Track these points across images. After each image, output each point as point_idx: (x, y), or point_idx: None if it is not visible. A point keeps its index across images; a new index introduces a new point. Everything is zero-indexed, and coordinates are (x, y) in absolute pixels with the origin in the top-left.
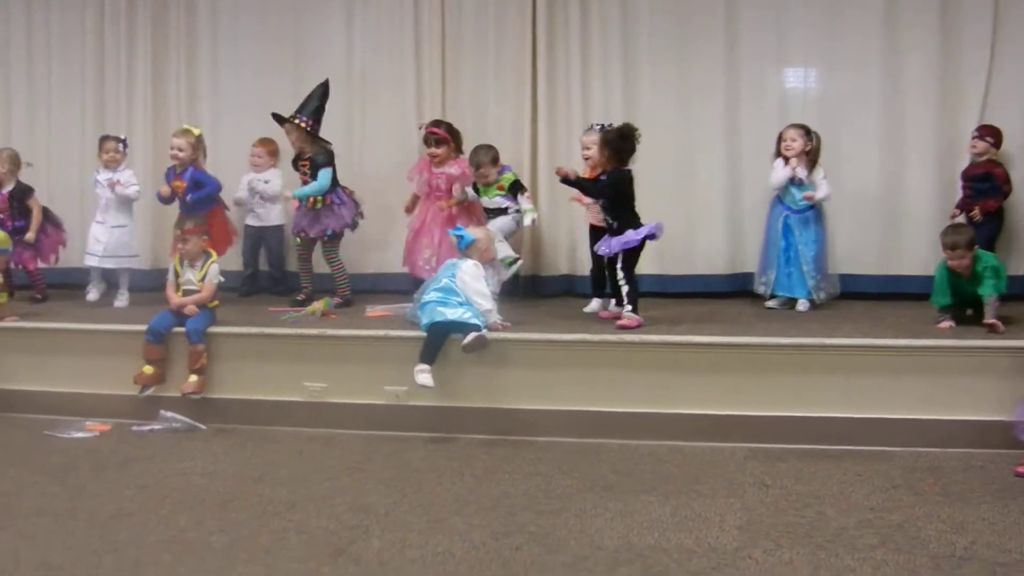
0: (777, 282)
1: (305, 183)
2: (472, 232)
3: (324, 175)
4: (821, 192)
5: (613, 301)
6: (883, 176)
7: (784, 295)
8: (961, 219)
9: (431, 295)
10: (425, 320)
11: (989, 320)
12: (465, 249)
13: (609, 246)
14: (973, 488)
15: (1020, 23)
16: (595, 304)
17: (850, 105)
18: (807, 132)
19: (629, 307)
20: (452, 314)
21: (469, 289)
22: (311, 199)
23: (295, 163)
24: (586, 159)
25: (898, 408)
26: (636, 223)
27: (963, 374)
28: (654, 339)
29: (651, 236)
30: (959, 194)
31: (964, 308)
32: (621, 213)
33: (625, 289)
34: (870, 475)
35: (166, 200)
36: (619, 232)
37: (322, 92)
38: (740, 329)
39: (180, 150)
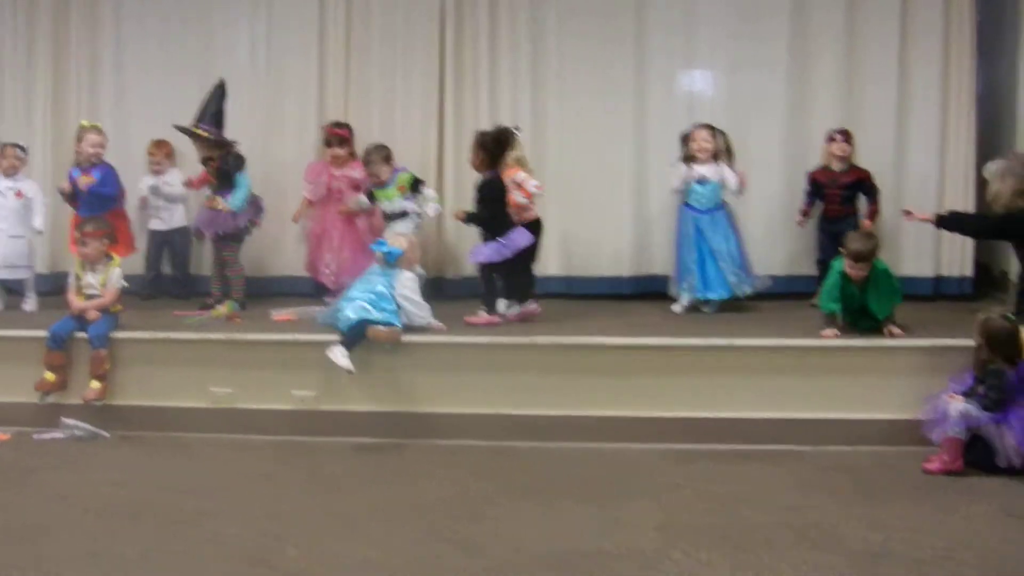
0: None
1: (210, 183)
2: (395, 244)
3: (243, 180)
4: (732, 182)
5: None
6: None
7: (702, 296)
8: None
9: (360, 295)
10: (351, 315)
11: (891, 330)
12: (394, 262)
13: (478, 255)
14: (886, 485)
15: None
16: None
17: (757, 106)
18: (714, 131)
19: (484, 308)
20: (378, 316)
21: (409, 302)
22: (212, 199)
23: (204, 162)
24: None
25: (809, 408)
26: (504, 230)
27: (872, 373)
28: (565, 341)
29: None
30: (804, 199)
31: (850, 313)
32: (488, 222)
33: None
34: (784, 475)
35: (69, 197)
36: (486, 240)
37: (220, 94)
38: (650, 330)
39: (101, 147)
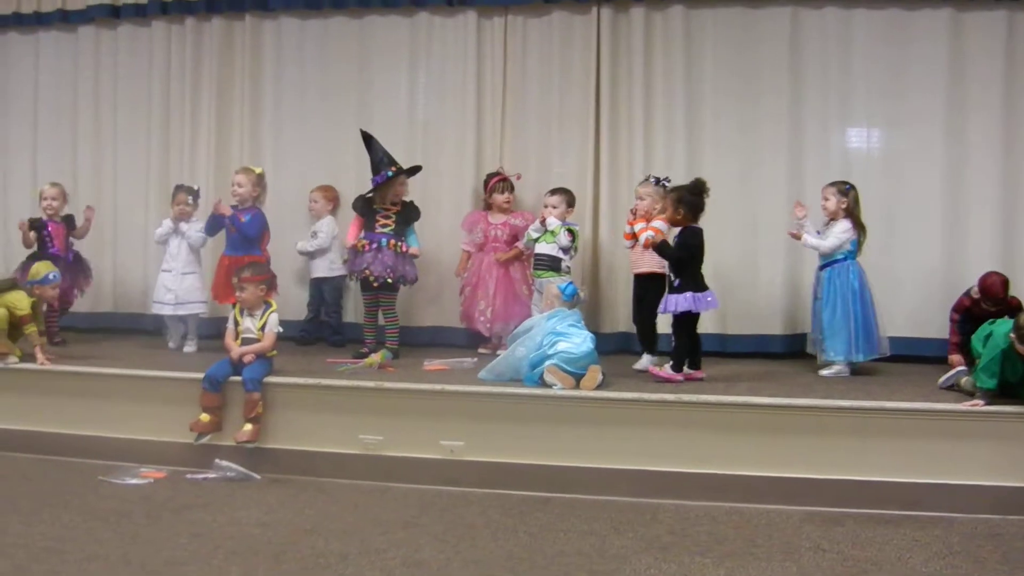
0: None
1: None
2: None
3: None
4: (813, 239)
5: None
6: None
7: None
8: None
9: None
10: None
11: None
12: (571, 299)
13: (667, 305)
14: None
15: None
16: (645, 360)
17: (913, 163)
18: (840, 190)
19: (671, 362)
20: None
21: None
22: (392, 242)
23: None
24: (633, 211)
25: (958, 473)
26: (700, 284)
27: None
28: (712, 399)
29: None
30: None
31: (1004, 389)
32: (685, 272)
33: (673, 346)
34: (929, 541)
35: (214, 225)
36: (680, 290)
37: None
38: (799, 390)
39: (240, 186)
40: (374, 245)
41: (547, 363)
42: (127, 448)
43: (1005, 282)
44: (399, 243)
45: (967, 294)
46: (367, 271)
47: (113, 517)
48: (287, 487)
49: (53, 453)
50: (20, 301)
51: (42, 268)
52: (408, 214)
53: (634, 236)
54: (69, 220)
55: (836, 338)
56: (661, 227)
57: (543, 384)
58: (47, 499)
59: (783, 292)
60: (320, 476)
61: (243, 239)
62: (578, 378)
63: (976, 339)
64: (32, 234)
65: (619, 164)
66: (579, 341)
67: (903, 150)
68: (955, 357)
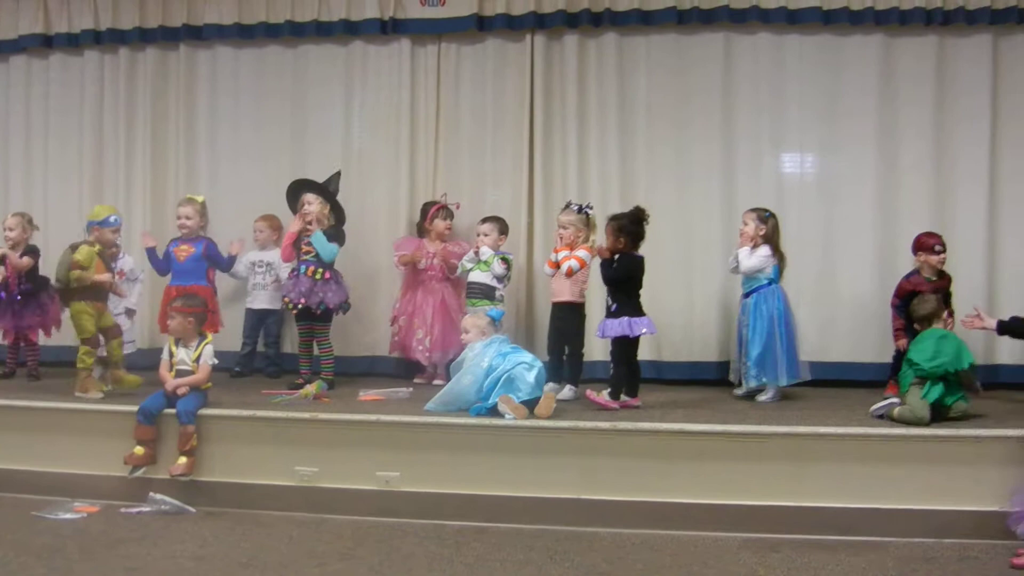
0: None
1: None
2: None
3: (334, 250)
4: (744, 260)
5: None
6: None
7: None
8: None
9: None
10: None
11: None
12: (499, 321)
13: (603, 330)
14: None
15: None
16: (567, 391)
17: (846, 186)
18: (760, 217)
19: (608, 390)
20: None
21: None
22: (311, 268)
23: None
24: (560, 238)
25: (893, 498)
26: (636, 309)
27: (958, 464)
28: (647, 427)
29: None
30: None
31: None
32: (623, 297)
33: (612, 373)
34: (864, 566)
35: (154, 257)
36: (616, 315)
37: (337, 180)
38: (734, 417)
39: (188, 218)
40: (295, 272)
41: (498, 393)
42: (60, 482)
43: (939, 238)
44: (318, 269)
45: (905, 278)
46: (285, 298)
47: (46, 552)
48: (222, 520)
49: None
50: (79, 253)
51: (102, 210)
52: (329, 236)
53: (557, 264)
54: (33, 251)
55: (764, 363)
56: (584, 256)
57: (493, 414)
58: None
59: (717, 318)
60: (256, 508)
61: (194, 270)
62: (528, 404)
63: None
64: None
65: (553, 191)
66: (530, 361)
67: (836, 173)
68: (901, 343)
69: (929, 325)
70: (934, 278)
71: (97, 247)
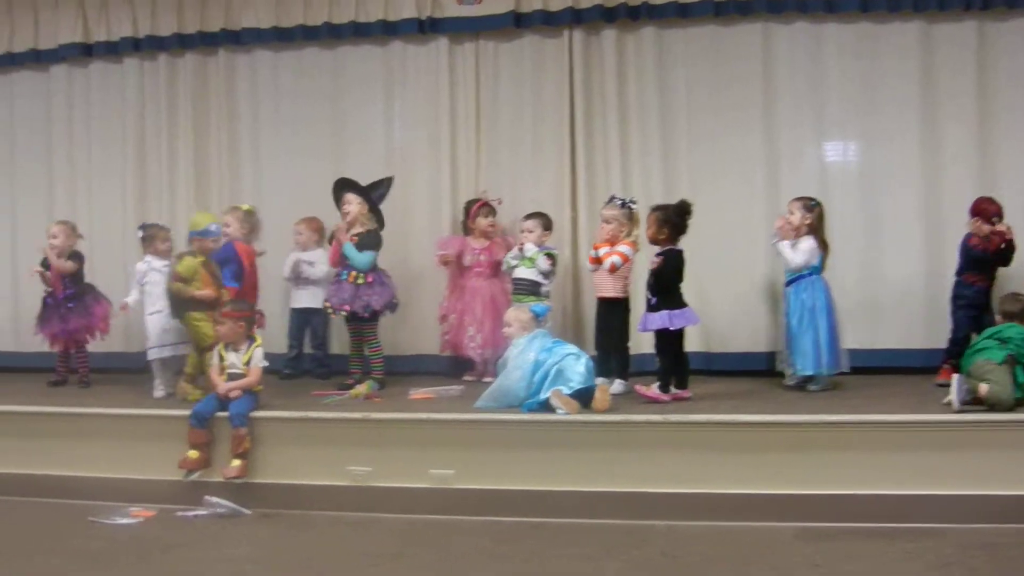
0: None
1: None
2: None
3: (370, 256)
4: (790, 257)
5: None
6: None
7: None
8: None
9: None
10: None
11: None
12: (543, 316)
13: (644, 323)
14: None
15: None
16: (618, 385)
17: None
18: (806, 205)
19: (657, 383)
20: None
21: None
22: (353, 274)
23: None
24: (605, 232)
25: (950, 484)
26: (677, 302)
27: (1017, 448)
28: (699, 419)
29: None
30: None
31: None
32: (662, 291)
33: (659, 366)
34: (922, 553)
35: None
36: (656, 309)
37: (388, 186)
38: (785, 407)
39: (227, 225)
40: (337, 278)
41: (549, 387)
42: (116, 488)
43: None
44: (359, 274)
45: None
46: (326, 303)
47: (104, 558)
48: (277, 521)
49: (42, 495)
50: (181, 265)
51: (202, 219)
52: (363, 241)
53: (598, 260)
54: (77, 256)
55: (805, 353)
56: (626, 251)
57: (544, 409)
58: (38, 542)
59: (765, 308)
60: (309, 509)
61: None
62: (579, 395)
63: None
64: (48, 273)
65: (596, 185)
66: (576, 352)
67: (878, 161)
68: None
69: (1012, 320)
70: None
71: (200, 258)
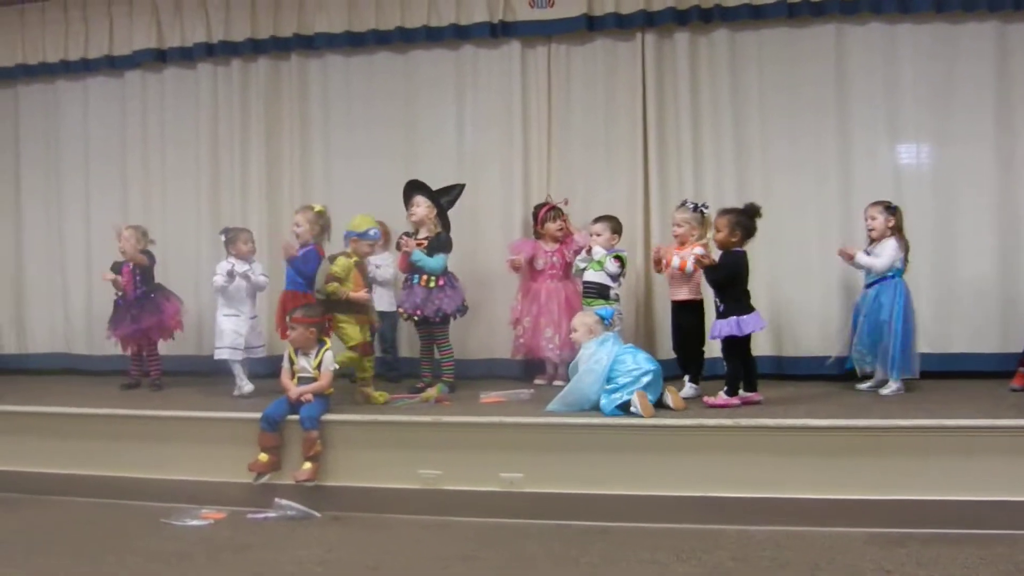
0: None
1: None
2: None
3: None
4: (867, 259)
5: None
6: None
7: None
8: None
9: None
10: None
11: None
12: (609, 320)
13: (713, 331)
14: None
15: None
16: (688, 388)
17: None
18: (887, 208)
19: (726, 388)
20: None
21: None
22: (424, 278)
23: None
24: (676, 236)
25: (1021, 490)
26: (744, 307)
27: None
28: (770, 423)
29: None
30: None
31: None
32: (728, 296)
33: (726, 370)
34: (993, 559)
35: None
36: (724, 315)
37: (458, 193)
38: (857, 411)
39: (298, 225)
40: (408, 282)
41: (635, 388)
42: (187, 490)
43: None
44: (431, 278)
45: None
46: (400, 308)
47: (175, 559)
48: (347, 524)
49: (115, 497)
50: (336, 264)
51: (363, 222)
52: (434, 245)
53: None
54: (148, 255)
55: (877, 355)
56: (699, 254)
57: (625, 412)
58: (110, 543)
59: (838, 311)
60: (380, 512)
61: (299, 277)
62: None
63: None
64: (119, 278)
65: (668, 189)
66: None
67: (953, 164)
68: None
69: None
70: None
71: (354, 258)
